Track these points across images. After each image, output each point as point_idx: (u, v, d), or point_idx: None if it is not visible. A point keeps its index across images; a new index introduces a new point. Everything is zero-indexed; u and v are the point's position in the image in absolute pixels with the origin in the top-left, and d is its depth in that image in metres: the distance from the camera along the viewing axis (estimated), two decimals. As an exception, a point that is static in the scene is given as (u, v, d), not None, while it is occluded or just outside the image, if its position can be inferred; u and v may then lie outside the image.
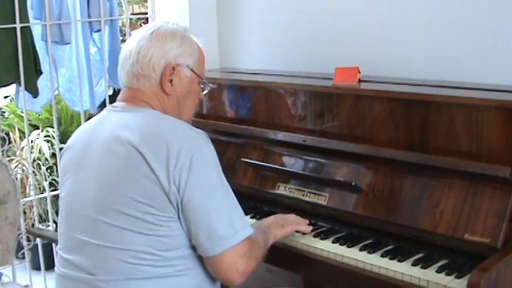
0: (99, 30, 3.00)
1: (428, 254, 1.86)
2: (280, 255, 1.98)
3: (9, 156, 3.92)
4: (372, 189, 2.02)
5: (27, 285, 2.76)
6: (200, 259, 1.67)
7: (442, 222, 1.83)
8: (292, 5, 2.79)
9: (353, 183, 2.05)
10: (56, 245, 1.84)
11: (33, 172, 3.41)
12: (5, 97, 4.15)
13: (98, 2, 2.93)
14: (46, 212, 3.59)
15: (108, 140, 1.66)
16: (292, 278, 2.50)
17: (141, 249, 1.59)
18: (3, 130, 3.26)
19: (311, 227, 2.04)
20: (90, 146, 1.71)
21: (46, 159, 4.08)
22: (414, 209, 1.90)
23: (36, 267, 3.23)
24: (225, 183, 1.67)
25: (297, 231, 2.03)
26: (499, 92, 1.98)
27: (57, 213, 1.91)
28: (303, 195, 2.18)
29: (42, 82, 2.87)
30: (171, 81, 1.73)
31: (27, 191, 3.66)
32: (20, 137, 4.19)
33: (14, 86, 2.84)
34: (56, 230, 1.94)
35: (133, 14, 4.85)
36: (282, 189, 2.24)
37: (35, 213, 3.07)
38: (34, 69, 2.77)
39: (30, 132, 3.98)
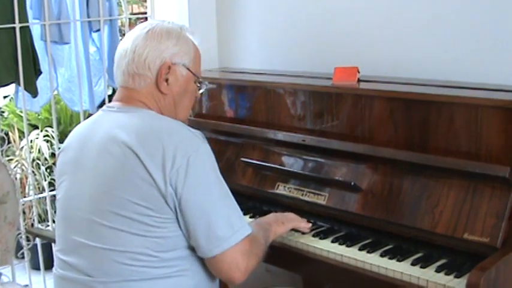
0: (98, 30, 3.00)
1: (428, 253, 1.86)
2: (279, 254, 1.98)
3: (8, 156, 3.92)
4: (371, 189, 2.02)
5: (27, 285, 2.76)
6: (198, 259, 1.66)
7: (441, 221, 1.83)
8: (291, 5, 2.79)
9: (352, 183, 2.05)
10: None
11: (33, 172, 3.42)
12: (5, 97, 4.15)
13: (97, 1, 2.93)
14: (45, 212, 3.59)
15: (104, 141, 1.65)
16: (292, 278, 2.50)
17: (138, 251, 1.59)
18: (2, 130, 3.26)
19: (310, 225, 2.04)
20: (86, 146, 1.70)
21: (45, 159, 4.08)
22: (414, 209, 1.90)
23: (35, 267, 3.23)
24: (222, 183, 1.66)
25: (297, 231, 2.03)
26: (499, 91, 1.98)
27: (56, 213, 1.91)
28: (303, 195, 2.18)
29: (41, 82, 2.87)
30: (166, 80, 1.71)
31: (27, 190, 3.67)
32: (20, 137, 4.19)
33: (13, 85, 2.84)
34: (56, 230, 1.94)
35: (132, 13, 4.85)
36: (282, 189, 2.24)
37: (35, 213, 3.07)
38: (33, 69, 2.77)
39: (30, 132, 3.97)
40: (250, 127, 2.44)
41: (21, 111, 3.41)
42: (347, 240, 1.98)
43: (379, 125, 2.09)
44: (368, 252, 1.90)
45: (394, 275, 1.78)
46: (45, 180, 3.66)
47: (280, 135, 2.33)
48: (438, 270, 1.75)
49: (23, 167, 3.56)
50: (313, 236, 2.03)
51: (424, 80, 2.24)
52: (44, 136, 4.19)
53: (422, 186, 1.91)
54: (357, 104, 2.15)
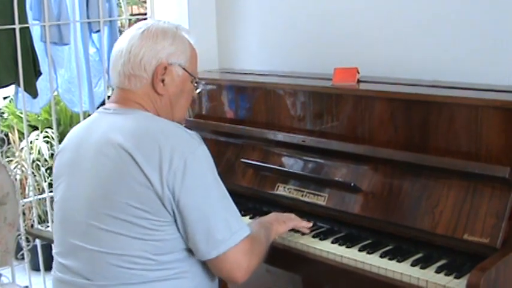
0: (98, 31, 3.01)
1: (428, 254, 1.86)
2: (279, 255, 1.98)
3: (8, 157, 3.93)
4: (371, 189, 2.02)
5: (27, 286, 2.76)
6: (197, 261, 1.65)
7: (441, 222, 1.82)
8: (291, 6, 2.79)
9: (352, 184, 2.04)
10: (56, 246, 1.84)
11: (33, 173, 3.41)
12: (4, 98, 4.15)
13: (97, 2, 2.93)
14: (45, 213, 3.59)
15: (101, 143, 1.63)
16: (292, 279, 2.50)
17: (137, 254, 1.58)
18: (2, 131, 3.26)
19: (311, 224, 2.04)
20: (83, 148, 1.69)
21: (45, 160, 4.08)
22: (413, 209, 1.89)
23: (35, 268, 3.22)
24: (220, 185, 1.64)
25: (297, 231, 2.03)
26: (499, 92, 1.98)
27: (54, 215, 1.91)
28: (302, 195, 2.17)
29: (41, 83, 2.87)
30: (163, 81, 1.70)
31: (27, 191, 3.66)
32: (19, 138, 4.19)
33: (13, 86, 2.84)
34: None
35: (132, 14, 4.85)
36: (282, 190, 2.24)
37: (34, 214, 3.07)
38: (33, 70, 2.77)
39: (30, 133, 3.97)
40: (250, 128, 2.43)
41: (21, 112, 3.41)
42: (347, 241, 1.97)
43: (379, 125, 2.09)
44: (368, 253, 1.90)
45: (394, 275, 1.78)
46: (45, 181, 3.66)
47: (280, 136, 2.32)
48: (438, 270, 1.75)
49: (23, 168, 3.56)
50: (313, 236, 2.03)
51: (424, 80, 2.24)
52: (44, 137, 4.19)
53: (422, 187, 1.91)
54: (356, 105, 2.15)
